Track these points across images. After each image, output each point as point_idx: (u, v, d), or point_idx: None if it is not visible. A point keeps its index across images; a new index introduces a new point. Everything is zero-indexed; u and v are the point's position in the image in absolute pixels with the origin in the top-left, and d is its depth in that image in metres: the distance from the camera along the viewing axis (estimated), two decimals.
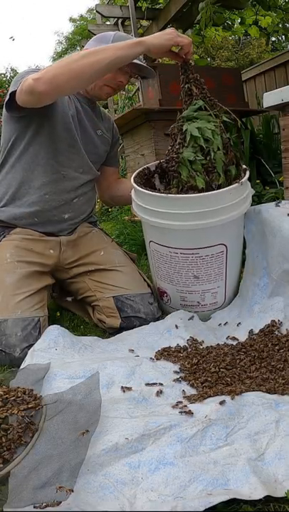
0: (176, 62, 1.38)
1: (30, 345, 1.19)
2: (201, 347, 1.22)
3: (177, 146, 1.31)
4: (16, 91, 1.27)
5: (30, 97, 1.23)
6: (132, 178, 1.44)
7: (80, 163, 1.50)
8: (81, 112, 1.50)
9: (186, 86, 1.36)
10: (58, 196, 1.46)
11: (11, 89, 1.31)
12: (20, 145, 1.42)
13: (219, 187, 1.29)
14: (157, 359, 1.15)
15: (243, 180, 1.32)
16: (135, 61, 1.38)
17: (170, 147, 1.36)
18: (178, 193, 1.30)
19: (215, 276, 1.38)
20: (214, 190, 1.27)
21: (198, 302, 1.42)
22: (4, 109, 1.37)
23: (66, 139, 1.45)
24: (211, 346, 1.23)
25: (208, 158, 1.28)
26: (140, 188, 1.36)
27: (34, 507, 0.66)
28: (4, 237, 1.45)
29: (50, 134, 1.41)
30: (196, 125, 1.28)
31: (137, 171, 1.49)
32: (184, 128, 1.29)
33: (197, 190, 1.27)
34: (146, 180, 1.49)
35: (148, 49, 1.26)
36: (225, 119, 1.35)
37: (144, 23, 4.40)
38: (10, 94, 1.30)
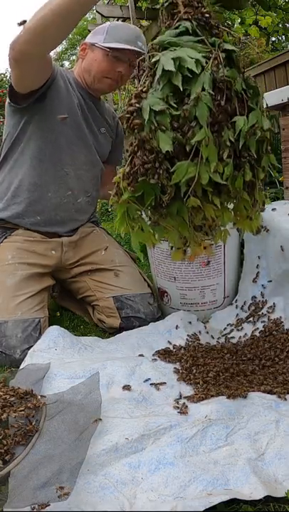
0: None
1: (31, 347, 1.19)
2: (201, 347, 1.22)
3: (141, 88, 0.85)
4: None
5: (12, 62, 1.19)
6: None
7: (87, 159, 1.48)
8: (85, 108, 1.47)
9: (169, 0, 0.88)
10: (62, 195, 1.44)
11: (9, 86, 1.30)
12: (23, 140, 1.39)
13: (197, 150, 0.81)
14: (157, 359, 1.15)
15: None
16: (134, 48, 1.34)
17: (134, 89, 0.90)
18: (130, 166, 0.86)
19: (214, 272, 1.38)
20: (189, 154, 0.81)
21: (198, 300, 1.42)
22: (7, 99, 1.36)
23: (71, 134, 1.42)
24: (211, 346, 1.23)
25: (184, 107, 0.81)
26: None
27: (32, 508, 0.66)
28: (6, 238, 1.44)
29: (54, 128, 1.38)
30: (173, 54, 0.81)
31: None
32: (154, 59, 0.83)
33: (154, 154, 0.82)
34: None
35: None
36: (227, 46, 0.85)
37: (144, 23, 4.40)
38: (10, 88, 1.29)
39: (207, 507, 0.63)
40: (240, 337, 1.28)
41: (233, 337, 1.28)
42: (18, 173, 1.42)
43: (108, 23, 1.46)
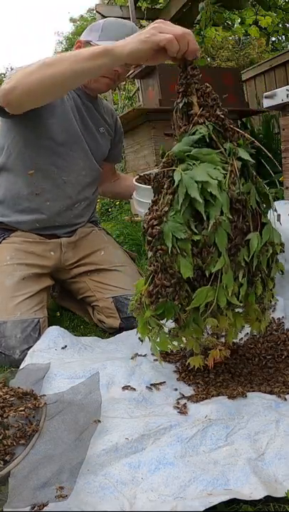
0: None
1: (30, 347, 1.19)
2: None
3: (163, 206, 0.85)
4: None
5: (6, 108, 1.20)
6: (134, 179, 1.45)
7: (84, 165, 1.46)
8: (82, 110, 1.46)
9: (184, 100, 0.90)
10: (60, 202, 1.44)
11: None
12: (18, 148, 1.38)
13: (216, 275, 0.83)
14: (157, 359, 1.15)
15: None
16: None
17: (153, 200, 0.91)
18: (152, 285, 0.89)
19: None
20: (208, 278, 0.84)
21: None
22: None
23: (68, 142, 1.40)
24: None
25: (203, 232, 0.82)
26: (141, 185, 1.36)
27: (32, 507, 0.66)
28: (4, 239, 1.44)
29: (49, 136, 1.36)
30: (195, 173, 0.81)
31: (139, 175, 1.51)
32: (176, 178, 0.83)
33: (176, 279, 0.85)
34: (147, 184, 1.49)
35: (117, 59, 1.02)
36: (242, 155, 0.85)
37: (144, 23, 4.40)
38: None
39: (207, 507, 0.63)
40: (240, 337, 1.28)
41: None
42: (15, 182, 1.41)
43: (103, 19, 1.42)
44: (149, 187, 1.27)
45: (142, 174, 1.48)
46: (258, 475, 0.71)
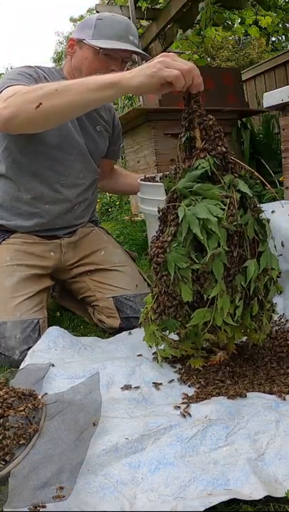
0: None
1: (30, 348, 1.19)
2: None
3: (167, 238, 0.95)
4: None
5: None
6: (139, 180, 1.53)
7: (82, 168, 1.45)
8: None
9: (188, 134, 0.96)
10: (59, 206, 1.43)
11: None
12: (15, 153, 1.36)
13: (213, 299, 0.94)
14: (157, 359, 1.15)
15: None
16: (126, 47, 1.28)
17: (159, 229, 1.01)
18: (156, 304, 1.02)
19: None
20: (206, 301, 0.95)
21: None
22: None
23: (65, 145, 1.38)
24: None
25: (202, 261, 0.92)
26: (145, 182, 1.44)
27: (31, 508, 0.66)
28: (4, 240, 1.43)
29: (44, 142, 1.34)
30: (197, 210, 0.89)
31: (145, 176, 1.54)
32: (180, 214, 0.91)
33: (177, 301, 0.97)
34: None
35: (126, 91, 1.04)
36: (242, 188, 0.93)
37: (144, 23, 4.40)
38: None
39: (207, 507, 0.63)
40: None
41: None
42: (14, 186, 1.40)
43: (95, 15, 1.37)
44: (152, 183, 1.33)
45: (146, 176, 1.51)
46: (258, 475, 0.71)
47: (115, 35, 1.30)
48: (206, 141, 0.95)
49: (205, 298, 0.94)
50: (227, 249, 0.91)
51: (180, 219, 0.91)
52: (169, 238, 0.94)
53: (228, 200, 0.91)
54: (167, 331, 1.04)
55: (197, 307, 0.97)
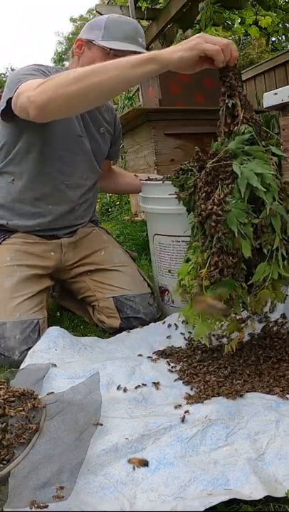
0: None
1: (30, 348, 1.19)
2: (202, 347, 1.22)
3: (222, 195, 0.95)
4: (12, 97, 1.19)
5: (23, 114, 1.16)
6: (140, 179, 1.56)
7: (86, 168, 1.45)
8: (84, 112, 1.43)
9: (231, 101, 1.01)
10: (61, 206, 1.43)
11: (7, 95, 1.22)
12: (19, 153, 1.35)
13: (272, 252, 0.97)
14: (157, 359, 1.15)
15: None
16: (136, 49, 1.28)
17: (204, 191, 0.99)
18: (212, 267, 0.97)
19: None
20: (266, 256, 0.97)
21: None
22: (0, 118, 1.29)
23: (70, 146, 1.38)
24: (212, 347, 1.23)
25: (261, 215, 0.95)
26: (147, 181, 1.47)
27: (31, 507, 0.66)
28: (4, 240, 1.43)
29: (51, 141, 1.34)
30: (252, 167, 0.94)
31: (149, 177, 1.55)
32: (237, 170, 0.95)
33: (237, 258, 0.96)
34: None
35: (165, 66, 1.03)
36: (275, 151, 1.01)
37: (144, 23, 4.40)
38: (7, 101, 1.22)
39: (207, 507, 0.63)
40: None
41: (233, 337, 1.28)
42: (16, 186, 1.39)
43: (105, 16, 1.37)
44: (154, 182, 1.35)
45: (150, 177, 1.53)
46: (258, 475, 0.71)
47: (125, 37, 1.30)
48: (245, 109, 1.01)
49: (266, 252, 0.96)
50: (281, 202, 0.96)
51: (239, 174, 0.94)
52: (224, 196, 0.95)
53: (272, 161, 0.98)
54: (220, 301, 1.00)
55: (249, 265, 0.98)
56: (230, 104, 1.00)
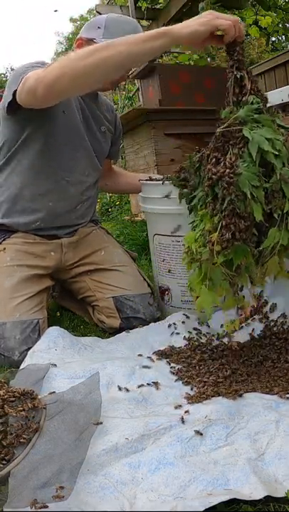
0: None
1: (30, 348, 1.19)
2: (202, 347, 1.22)
3: (233, 159, 0.97)
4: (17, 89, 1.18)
5: (30, 97, 1.15)
6: (140, 179, 1.55)
7: (87, 165, 1.46)
8: (85, 109, 1.44)
9: (239, 73, 1.05)
10: (63, 203, 1.43)
11: (12, 87, 1.20)
12: (21, 148, 1.35)
13: (282, 217, 0.99)
14: (157, 359, 1.15)
15: None
16: None
17: (214, 156, 1.01)
18: (224, 230, 0.97)
19: None
20: (276, 221, 0.98)
21: None
22: (5, 109, 1.28)
23: (72, 141, 1.39)
24: (212, 347, 1.23)
25: (271, 180, 0.97)
26: (147, 181, 1.48)
27: (34, 507, 0.66)
28: (4, 240, 1.42)
29: (53, 136, 1.34)
30: (262, 133, 0.97)
31: (150, 177, 1.55)
32: (247, 134, 0.97)
33: (249, 222, 0.96)
34: None
35: (176, 40, 1.05)
36: (280, 123, 1.04)
37: (144, 23, 4.40)
38: (13, 93, 1.20)
39: (207, 507, 0.63)
40: (240, 337, 1.28)
41: (233, 337, 1.28)
42: (17, 182, 1.39)
43: (104, 15, 1.37)
44: (155, 182, 1.36)
45: (151, 177, 1.53)
46: (258, 475, 0.71)
47: (125, 35, 1.30)
48: (251, 81, 1.05)
49: (276, 216, 0.97)
50: None
51: (250, 138, 0.96)
52: (235, 159, 0.96)
53: (279, 132, 1.01)
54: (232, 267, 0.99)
55: (259, 230, 0.99)
56: (238, 76, 1.04)
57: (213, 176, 0.97)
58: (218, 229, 0.97)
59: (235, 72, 1.05)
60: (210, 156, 1.02)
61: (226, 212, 0.96)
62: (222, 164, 0.97)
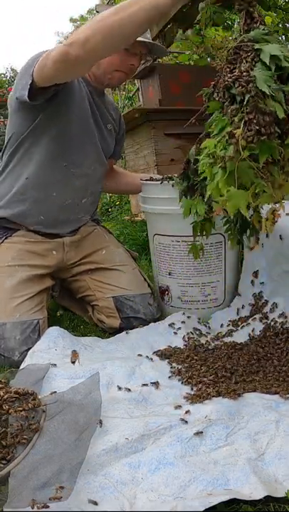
0: None
1: (30, 349, 1.19)
2: (202, 347, 1.22)
3: (246, 65, 0.99)
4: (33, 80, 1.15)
5: (63, 65, 1.09)
6: (140, 179, 1.56)
7: (94, 159, 1.46)
8: (94, 106, 1.44)
9: (249, 8, 1.09)
10: (67, 195, 1.42)
11: (27, 80, 1.18)
12: (30, 139, 1.34)
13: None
14: (157, 359, 1.15)
15: None
16: (143, 39, 1.29)
17: (227, 66, 1.03)
18: (250, 126, 0.97)
19: (214, 268, 1.41)
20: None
21: (198, 298, 1.43)
22: (26, 96, 1.21)
23: (83, 134, 1.39)
24: (212, 347, 1.23)
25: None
26: (148, 181, 1.48)
27: (32, 507, 0.66)
28: (6, 238, 1.42)
29: (65, 128, 1.35)
30: (273, 46, 1.01)
31: (151, 177, 1.55)
32: (260, 47, 1.01)
33: (272, 118, 0.96)
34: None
35: None
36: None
37: None
38: (30, 84, 1.17)
39: (207, 507, 0.63)
40: (240, 337, 1.28)
41: (233, 337, 1.28)
42: (24, 172, 1.38)
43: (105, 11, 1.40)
44: (155, 183, 1.36)
45: (152, 177, 1.53)
46: (258, 475, 0.71)
47: None
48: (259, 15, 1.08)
49: None
50: None
51: (262, 49, 0.98)
52: (249, 66, 0.98)
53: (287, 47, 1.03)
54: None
55: (280, 134, 0.97)
56: (250, 11, 1.07)
57: (229, 80, 0.98)
58: (242, 126, 0.96)
59: (242, 6, 1.07)
60: (224, 68, 1.02)
61: (248, 109, 0.95)
62: (237, 70, 0.99)
